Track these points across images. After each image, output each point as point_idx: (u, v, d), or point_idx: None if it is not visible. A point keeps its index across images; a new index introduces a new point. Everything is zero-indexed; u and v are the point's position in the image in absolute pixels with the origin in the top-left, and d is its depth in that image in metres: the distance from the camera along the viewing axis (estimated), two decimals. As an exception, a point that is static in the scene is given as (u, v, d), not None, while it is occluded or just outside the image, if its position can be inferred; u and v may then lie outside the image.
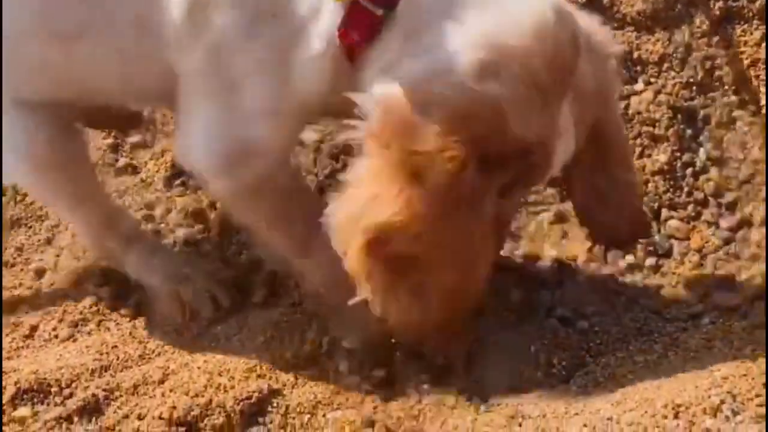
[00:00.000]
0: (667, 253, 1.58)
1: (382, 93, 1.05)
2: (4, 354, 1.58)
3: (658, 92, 1.70)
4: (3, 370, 1.44)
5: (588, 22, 1.18)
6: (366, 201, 1.06)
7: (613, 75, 1.24)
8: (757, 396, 0.98)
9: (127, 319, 1.64)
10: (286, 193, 1.34)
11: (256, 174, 1.28)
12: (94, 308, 1.68)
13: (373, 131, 1.04)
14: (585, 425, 1.02)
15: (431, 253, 1.05)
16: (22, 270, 1.82)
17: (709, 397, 1.00)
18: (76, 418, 1.34)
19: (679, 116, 1.68)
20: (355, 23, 1.09)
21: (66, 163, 1.51)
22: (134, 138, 1.97)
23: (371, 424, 1.26)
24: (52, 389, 1.40)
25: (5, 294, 1.76)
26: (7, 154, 1.49)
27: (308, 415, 1.31)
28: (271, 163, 1.29)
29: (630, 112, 1.70)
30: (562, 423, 1.06)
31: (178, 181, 1.84)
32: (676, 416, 0.98)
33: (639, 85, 1.71)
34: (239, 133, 1.24)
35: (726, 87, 1.67)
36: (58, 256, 1.83)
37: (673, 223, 1.62)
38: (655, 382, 1.12)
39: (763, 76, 1.62)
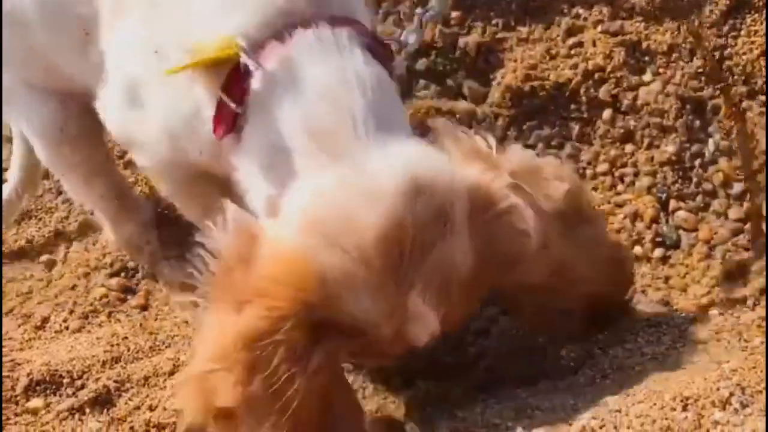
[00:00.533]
0: (675, 245, 1.58)
1: (235, 218, 1.02)
2: (17, 345, 1.60)
3: (666, 83, 1.69)
4: (16, 361, 1.46)
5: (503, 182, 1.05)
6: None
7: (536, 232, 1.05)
8: (767, 388, 0.98)
9: (137, 310, 1.66)
10: (183, 183, 1.35)
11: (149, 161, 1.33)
12: (105, 300, 1.69)
13: (221, 252, 1.02)
14: (594, 417, 1.03)
15: (251, 407, 0.98)
16: (33, 262, 1.84)
17: (718, 389, 1.00)
18: (88, 409, 1.35)
19: (688, 107, 1.67)
20: (221, 116, 1.08)
21: (78, 139, 1.54)
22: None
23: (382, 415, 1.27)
24: (64, 380, 1.41)
25: (16, 286, 1.78)
26: (27, 130, 1.59)
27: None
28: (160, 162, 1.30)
29: (638, 103, 1.70)
30: (569, 414, 1.07)
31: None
32: (684, 408, 0.99)
33: (647, 76, 1.70)
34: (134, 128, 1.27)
35: (735, 77, 1.66)
36: (68, 248, 1.84)
37: (681, 214, 1.62)
38: (663, 375, 1.12)
39: (773, 66, 1.61)
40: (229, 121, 1.08)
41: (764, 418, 0.94)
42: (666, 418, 0.98)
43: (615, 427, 1.00)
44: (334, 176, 1.00)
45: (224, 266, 1.01)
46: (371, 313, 0.98)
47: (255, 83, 1.05)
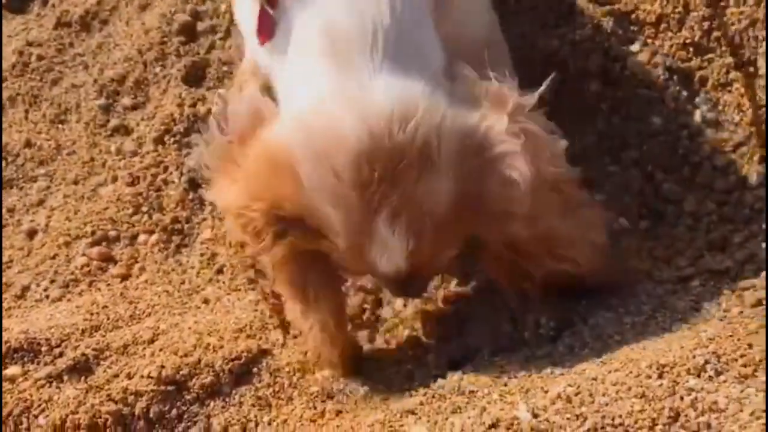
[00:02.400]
0: (660, 216, 1.57)
1: (252, 97, 1.13)
2: (-6, 314, 1.59)
3: (654, 53, 1.67)
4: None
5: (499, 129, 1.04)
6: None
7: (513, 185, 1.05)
8: (742, 356, 0.98)
9: (118, 280, 1.65)
10: None
11: None
12: (86, 269, 1.68)
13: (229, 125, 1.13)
14: (569, 385, 1.02)
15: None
16: (13, 231, 1.82)
17: (694, 357, 1.00)
18: (66, 377, 1.35)
19: (675, 78, 1.65)
20: (262, 24, 1.14)
21: None
22: (126, 100, 1.95)
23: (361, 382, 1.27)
24: (42, 348, 1.40)
25: (-6, 254, 1.77)
26: None
27: (297, 375, 1.31)
28: None
29: (626, 73, 1.68)
30: (546, 382, 1.06)
31: (170, 140, 1.83)
32: (660, 376, 0.98)
33: (635, 46, 1.68)
34: None
35: (723, 48, 1.64)
36: (49, 217, 1.82)
37: (666, 186, 1.61)
38: (641, 344, 1.12)
39: (762, 36, 1.59)
40: (269, 27, 1.12)
41: (738, 385, 0.94)
42: (641, 386, 0.98)
43: (591, 395, 0.99)
44: (335, 86, 1.03)
45: (227, 140, 1.12)
46: (333, 223, 1.02)
47: None
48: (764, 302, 1.20)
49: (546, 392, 1.03)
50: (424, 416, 1.07)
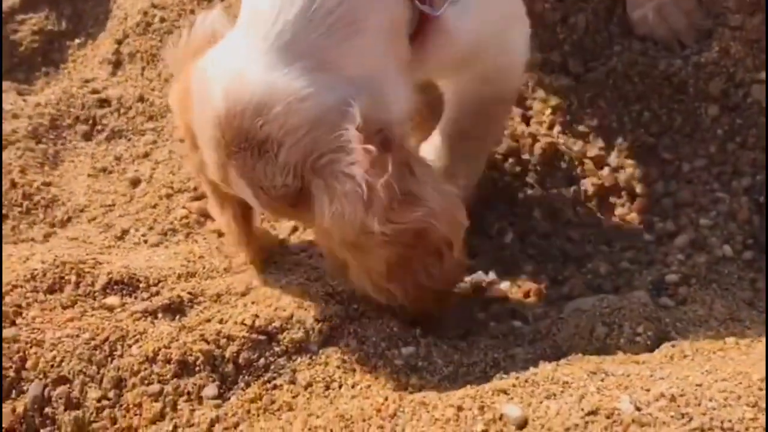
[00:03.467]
0: (766, 248, 1.53)
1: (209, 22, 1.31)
2: (96, 249, 1.64)
3: (781, 83, 1.63)
4: (97, 260, 1.50)
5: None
6: None
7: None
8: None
9: (216, 235, 1.68)
10: None
11: None
12: (185, 221, 1.73)
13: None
14: (672, 387, 1.00)
15: None
16: (118, 178, 1.89)
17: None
18: (160, 314, 1.38)
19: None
20: None
21: None
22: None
23: (448, 362, 1.26)
24: (141, 285, 1.44)
25: (101, 197, 1.83)
26: None
27: (383, 346, 1.32)
28: None
29: (748, 100, 1.64)
30: (647, 383, 1.04)
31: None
32: (772, 390, 0.95)
33: (762, 74, 1.64)
34: None
35: None
36: (154, 169, 1.88)
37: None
38: (749, 360, 1.08)
39: None
40: None
41: None
42: (753, 395, 0.95)
43: (696, 398, 0.97)
44: (226, 51, 1.19)
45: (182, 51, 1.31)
46: (206, 157, 1.23)
47: None
48: None
49: (648, 390, 1.01)
50: (517, 397, 1.06)
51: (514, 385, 1.10)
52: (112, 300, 1.41)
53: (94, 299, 1.41)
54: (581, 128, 1.72)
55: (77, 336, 1.31)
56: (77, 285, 1.43)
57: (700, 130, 1.68)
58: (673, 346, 1.21)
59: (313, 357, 1.29)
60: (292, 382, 1.26)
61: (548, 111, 1.74)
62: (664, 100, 1.69)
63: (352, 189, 1.10)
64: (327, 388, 1.24)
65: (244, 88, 1.13)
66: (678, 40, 1.69)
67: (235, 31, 1.22)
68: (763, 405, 0.92)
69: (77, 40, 2.22)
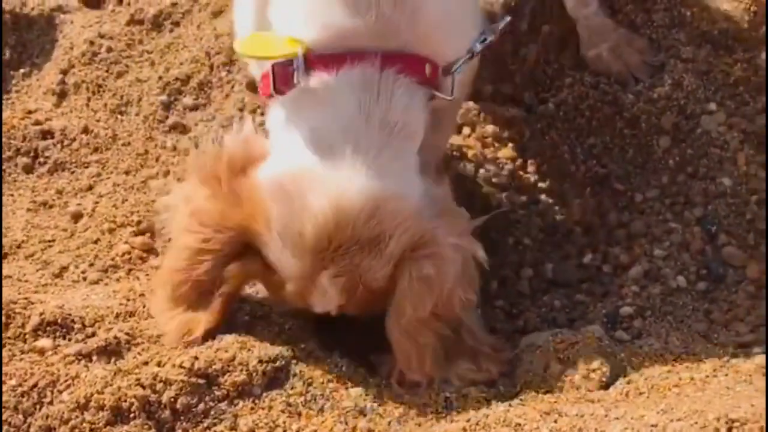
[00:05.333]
0: (720, 279, 1.52)
1: (249, 132, 1.38)
2: (32, 288, 1.56)
3: (730, 114, 1.64)
4: (30, 300, 1.43)
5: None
6: None
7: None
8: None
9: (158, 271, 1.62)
10: None
11: None
12: (126, 256, 1.66)
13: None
14: (627, 429, 0.96)
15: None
16: (59, 212, 1.81)
17: None
18: (95, 357, 1.31)
19: (752, 141, 1.61)
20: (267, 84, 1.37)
21: None
22: (188, 99, 1.96)
23: (398, 403, 1.21)
24: (75, 326, 1.37)
25: (40, 233, 1.75)
26: None
27: (330, 387, 1.26)
28: None
29: (698, 131, 1.65)
30: (601, 424, 1.00)
31: (227, 143, 1.82)
32: (729, 430, 0.92)
33: (712, 106, 1.65)
34: None
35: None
36: (96, 202, 1.81)
37: (729, 249, 1.56)
38: (704, 397, 1.05)
39: None
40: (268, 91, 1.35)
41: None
42: (709, 437, 0.91)
43: (651, 440, 0.93)
44: (321, 164, 1.25)
45: (215, 158, 1.34)
46: (287, 266, 1.27)
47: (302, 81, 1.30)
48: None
49: (602, 432, 0.97)
50: (468, 442, 1.01)
51: (464, 429, 1.06)
52: (44, 342, 1.33)
53: (25, 342, 1.34)
54: (533, 161, 1.71)
55: (3, 383, 1.23)
56: (6, 327, 1.35)
57: (652, 161, 1.67)
58: (628, 382, 1.18)
59: (256, 401, 1.23)
60: (234, 428, 1.20)
61: (499, 142, 1.73)
62: (615, 132, 1.68)
63: (454, 256, 1.27)
64: (270, 433, 1.18)
65: (354, 197, 1.22)
66: (633, 76, 1.70)
67: (308, 136, 1.28)
68: (719, 447, 0.89)
69: (22, 70, 2.15)
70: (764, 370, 1.16)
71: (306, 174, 1.26)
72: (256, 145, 1.34)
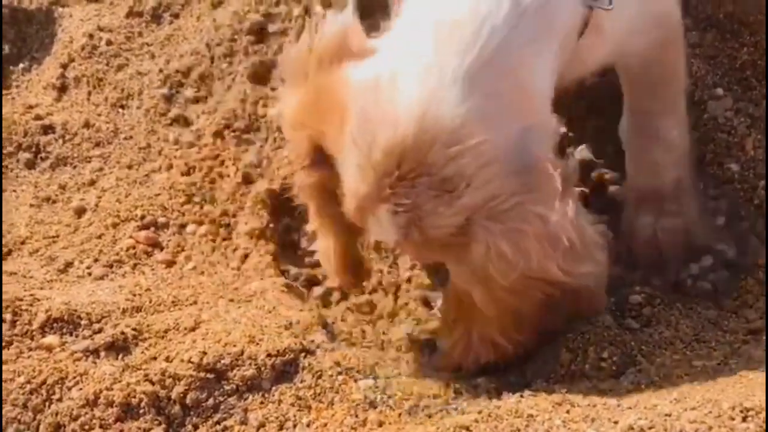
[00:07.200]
0: (732, 265, 1.51)
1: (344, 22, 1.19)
2: (37, 284, 1.56)
3: (738, 99, 1.63)
4: (36, 297, 1.42)
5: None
6: None
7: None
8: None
9: (163, 265, 1.61)
10: None
11: None
12: (131, 251, 1.65)
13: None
14: (640, 418, 0.95)
15: None
16: (62, 207, 1.80)
17: (783, 404, 0.93)
18: (103, 353, 1.30)
19: (759, 126, 1.60)
20: None
21: None
22: (189, 92, 1.95)
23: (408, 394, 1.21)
24: (82, 322, 1.36)
25: (44, 229, 1.74)
26: None
27: (340, 380, 1.26)
28: None
29: (705, 116, 1.63)
30: (614, 414, 1.00)
31: (230, 135, 1.81)
32: (744, 419, 0.91)
33: (719, 91, 1.63)
34: None
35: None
36: (100, 197, 1.80)
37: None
38: (717, 386, 1.05)
39: None
40: None
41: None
42: (724, 426, 0.91)
43: (666, 430, 0.92)
44: (419, 69, 1.04)
45: (306, 50, 1.17)
46: (349, 181, 1.11)
47: None
48: None
49: (615, 423, 0.96)
50: (480, 434, 1.01)
51: (476, 420, 1.05)
52: (51, 339, 1.33)
53: (32, 339, 1.33)
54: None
55: (12, 380, 1.22)
56: (13, 324, 1.34)
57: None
58: (639, 371, 1.17)
59: (266, 395, 1.22)
60: (244, 422, 1.19)
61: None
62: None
63: (541, 230, 1.04)
64: (281, 428, 1.18)
65: (442, 114, 1.02)
66: None
67: (407, 41, 1.10)
68: (735, 436, 0.88)
69: (21, 65, 2.13)
70: (776, 358, 1.15)
71: (397, 73, 1.06)
72: (355, 40, 1.15)
